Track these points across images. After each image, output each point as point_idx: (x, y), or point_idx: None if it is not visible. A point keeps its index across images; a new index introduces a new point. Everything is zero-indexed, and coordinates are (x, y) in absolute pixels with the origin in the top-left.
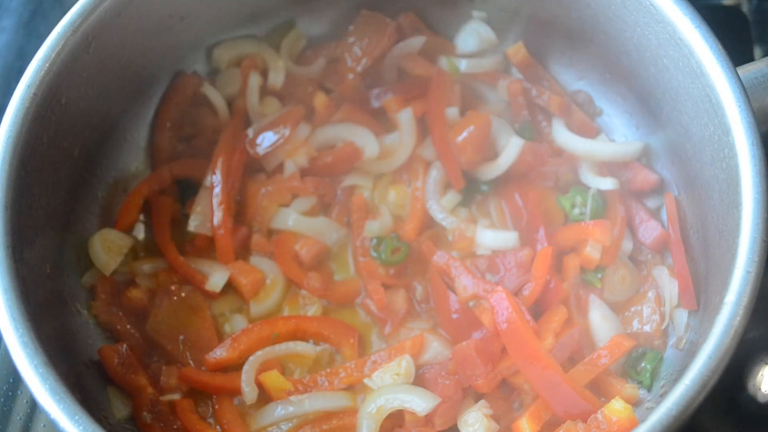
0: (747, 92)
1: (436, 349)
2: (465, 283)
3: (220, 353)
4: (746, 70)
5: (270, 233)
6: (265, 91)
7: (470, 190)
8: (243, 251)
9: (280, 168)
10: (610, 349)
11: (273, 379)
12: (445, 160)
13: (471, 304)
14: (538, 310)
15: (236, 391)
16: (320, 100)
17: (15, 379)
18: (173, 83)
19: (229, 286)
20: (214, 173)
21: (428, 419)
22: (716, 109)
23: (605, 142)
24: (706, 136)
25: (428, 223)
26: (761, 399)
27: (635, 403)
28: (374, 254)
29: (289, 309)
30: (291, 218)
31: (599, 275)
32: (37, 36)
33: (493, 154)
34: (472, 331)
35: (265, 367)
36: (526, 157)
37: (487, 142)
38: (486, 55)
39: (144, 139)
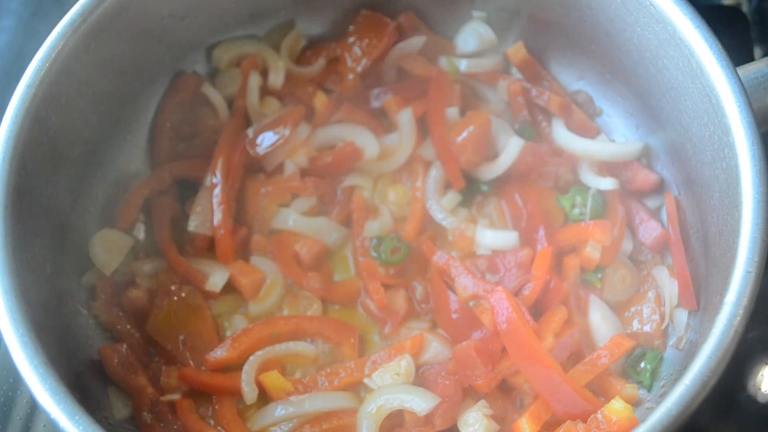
0: (747, 92)
1: (436, 349)
2: (465, 283)
3: (220, 353)
4: (746, 70)
5: (270, 233)
6: (265, 91)
7: (470, 190)
8: (243, 251)
9: (280, 168)
10: (610, 349)
11: (273, 379)
12: (445, 160)
13: (471, 304)
14: (538, 310)
15: (236, 391)
16: (320, 100)
17: (15, 379)
18: (173, 83)
19: (229, 286)
20: (214, 173)
21: (428, 419)
22: (716, 109)
23: (605, 142)
24: (706, 136)
25: (428, 223)
26: (761, 399)
27: (635, 403)
28: (374, 254)
29: (289, 309)
30: (291, 218)
31: (599, 275)
32: (37, 36)
33: (493, 154)
34: (472, 331)
35: (265, 367)
36: (526, 157)
37: (487, 142)
38: (486, 55)
39: (144, 139)
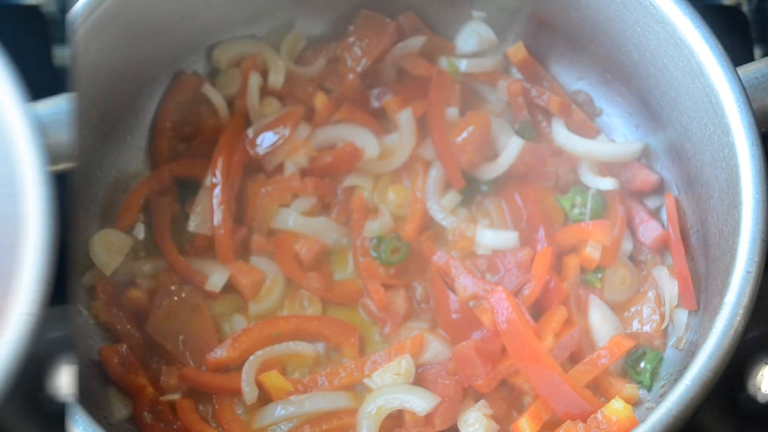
0: (747, 92)
1: (436, 349)
2: (465, 283)
3: (220, 353)
4: (746, 70)
5: (270, 233)
6: (265, 91)
7: (470, 190)
8: (243, 251)
9: (280, 168)
10: (610, 349)
11: (273, 379)
12: (445, 160)
13: (471, 304)
14: (538, 310)
15: (236, 391)
16: (320, 100)
17: None
18: (173, 83)
19: (229, 286)
20: (214, 173)
21: (428, 419)
22: (716, 109)
23: (605, 142)
24: (706, 136)
25: (428, 223)
26: (761, 399)
27: (635, 403)
28: (374, 254)
29: (289, 308)
30: (291, 218)
31: (599, 275)
32: None
33: (493, 154)
34: (472, 331)
35: (265, 367)
36: (526, 157)
37: (487, 142)
38: (486, 55)
39: (144, 139)
